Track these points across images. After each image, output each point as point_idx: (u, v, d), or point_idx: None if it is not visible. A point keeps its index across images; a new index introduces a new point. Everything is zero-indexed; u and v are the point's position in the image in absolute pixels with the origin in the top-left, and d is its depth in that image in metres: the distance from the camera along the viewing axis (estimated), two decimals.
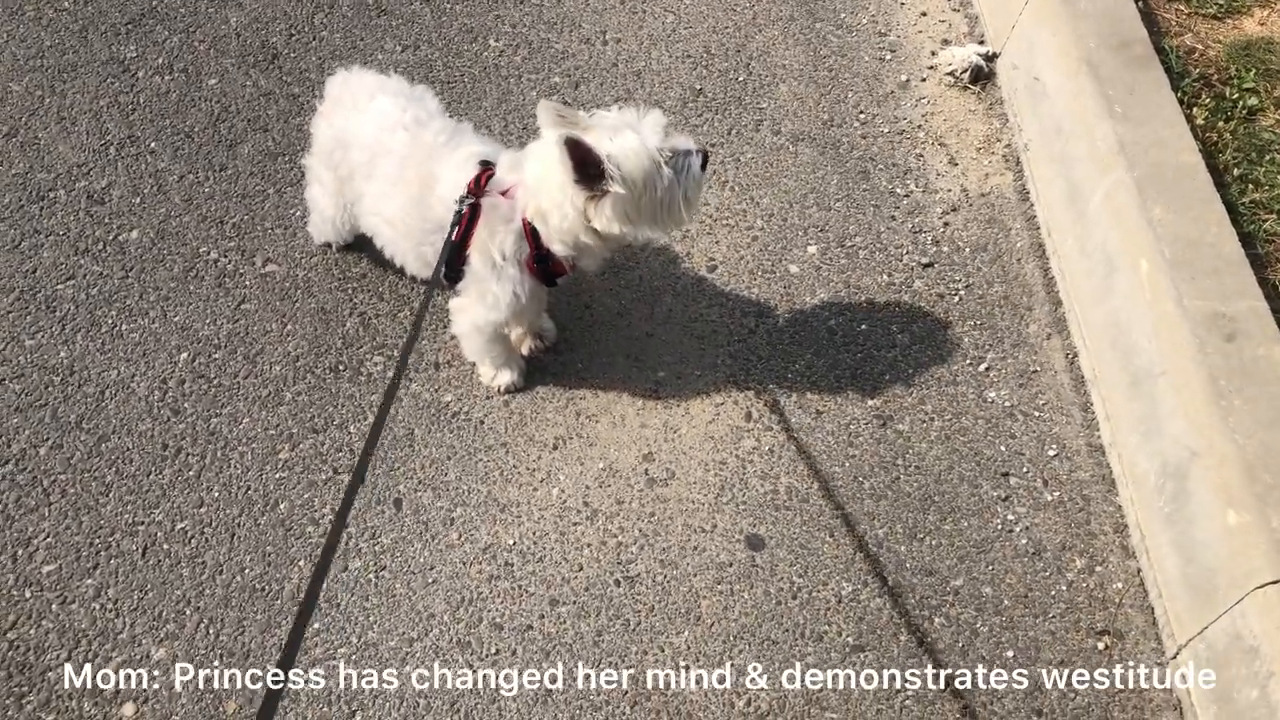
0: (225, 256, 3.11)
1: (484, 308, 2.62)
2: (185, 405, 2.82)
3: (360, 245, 3.06)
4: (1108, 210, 2.93)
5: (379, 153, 2.60)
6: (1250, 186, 3.04)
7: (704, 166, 2.42)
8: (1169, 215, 2.80)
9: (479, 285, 2.59)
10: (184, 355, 2.91)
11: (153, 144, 3.34)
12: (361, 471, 1.83)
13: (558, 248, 2.48)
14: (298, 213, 3.19)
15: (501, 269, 2.53)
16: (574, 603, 2.57)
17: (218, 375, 2.88)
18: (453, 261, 2.55)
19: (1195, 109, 3.19)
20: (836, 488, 2.78)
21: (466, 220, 2.47)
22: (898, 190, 3.41)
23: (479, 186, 2.47)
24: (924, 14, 3.93)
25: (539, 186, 2.41)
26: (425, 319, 2.97)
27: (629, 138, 2.29)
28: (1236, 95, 3.26)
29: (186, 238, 3.13)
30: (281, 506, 2.67)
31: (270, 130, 3.40)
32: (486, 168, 2.51)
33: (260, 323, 2.98)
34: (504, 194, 2.47)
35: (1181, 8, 3.52)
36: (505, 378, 2.87)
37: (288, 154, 3.34)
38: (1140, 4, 3.39)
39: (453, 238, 2.47)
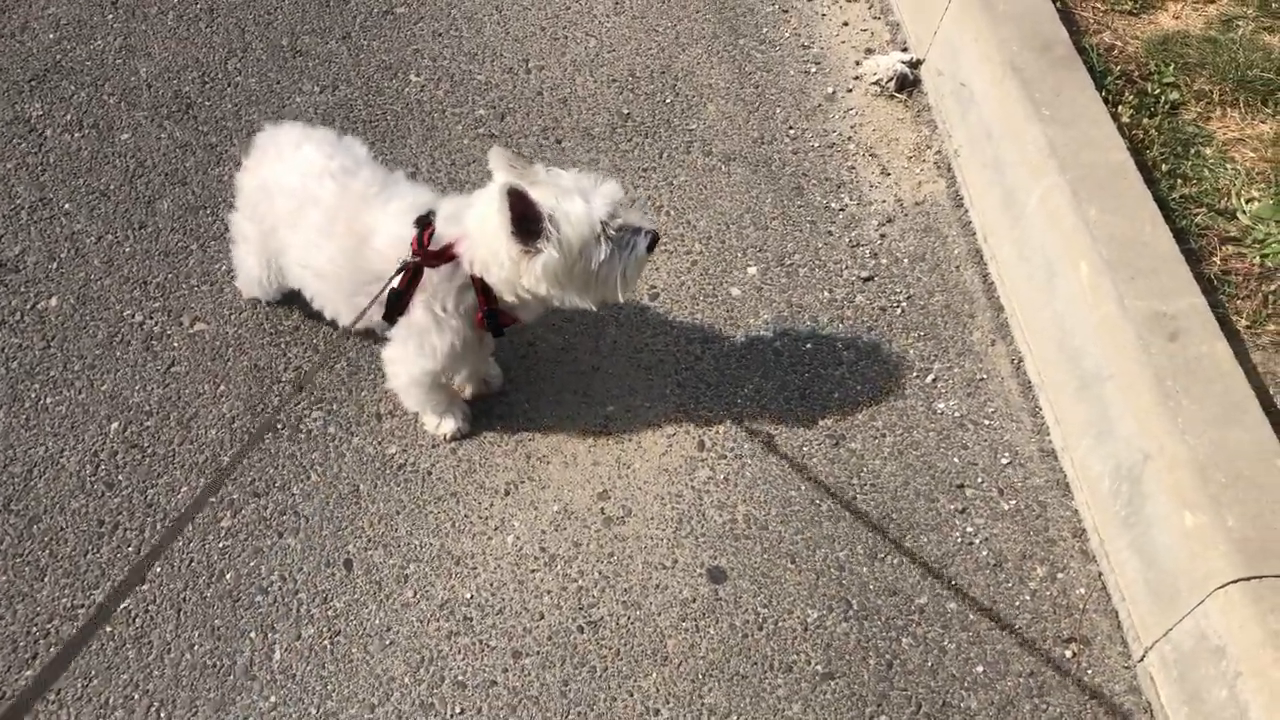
0: (151, 318, 3.00)
1: (420, 357, 2.55)
2: (119, 478, 2.71)
3: (292, 296, 2.97)
4: (1043, 213, 2.94)
5: (305, 201, 2.51)
6: (1179, 181, 3.07)
7: (651, 248, 2.37)
8: (1104, 216, 2.81)
9: (419, 336, 2.51)
10: (114, 425, 2.80)
11: (66, 205, 3.22)
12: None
13: (509, 298, 2.41)
14: (223, 267, 3.09)
15: (443, 320, 2.46)
16: (538, 653, 2.50)
17: (151, 444, 2.77)
18: (391, 313, 2.48)
19: (1120, 106, 3.21)
20: (794, 512, 2.75)
21: (409, 278, 2.38)
22: (832, 205, 3.39)
23: (422, 248, 2.38)
24: (846, 24, 3.93)
25: (480, 234, 2.34)
26: (362, 369, 2.90)
27: (575, 203, 2.24)
28: (1158, 90, 3.30)
29: (109, 301, 3.02)
30: (228, 577, 2.58)
31: (189, 183, 3.30)
32: (425, 225, 2.41)
33: (192, 385, 2.88)
34: (448, 253, 2.39)
35: (1098, 5, 3.55)
36: (450, 425, 2.80)
37: (209, 206, 3.24)
38: (1058, 3, 3.42)
39: (396, 285, 2.38)
